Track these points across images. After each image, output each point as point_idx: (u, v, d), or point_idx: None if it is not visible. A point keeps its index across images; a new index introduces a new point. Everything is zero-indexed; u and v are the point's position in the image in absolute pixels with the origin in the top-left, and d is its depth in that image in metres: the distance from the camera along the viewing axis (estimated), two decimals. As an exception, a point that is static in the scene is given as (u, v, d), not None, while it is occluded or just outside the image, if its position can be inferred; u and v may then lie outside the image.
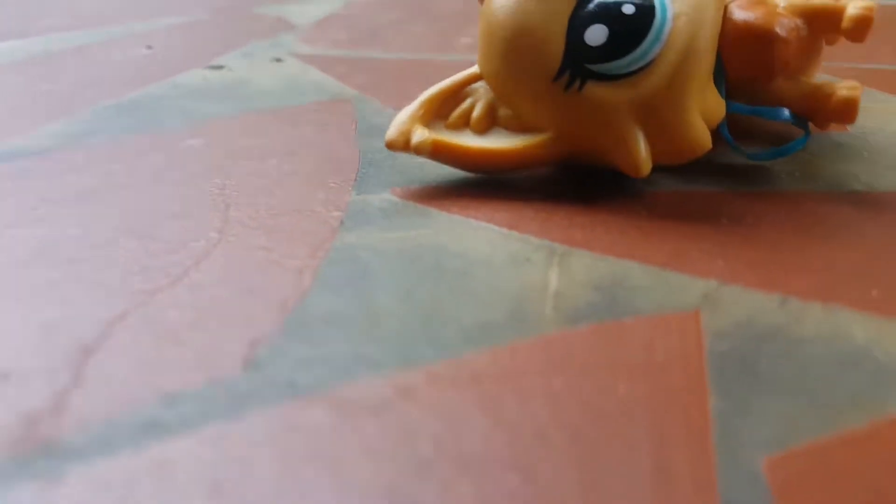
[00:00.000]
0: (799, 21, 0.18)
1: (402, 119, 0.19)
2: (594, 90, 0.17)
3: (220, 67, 0.30)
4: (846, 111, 0.19)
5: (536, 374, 0.12)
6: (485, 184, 0.19)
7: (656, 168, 0.18)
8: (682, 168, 0.19)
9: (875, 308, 0.14)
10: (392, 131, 0.18)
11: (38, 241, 0.16)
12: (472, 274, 0.15)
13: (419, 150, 0.18)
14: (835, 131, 0.22)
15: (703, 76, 0.17)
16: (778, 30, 0.17)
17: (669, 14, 0.16)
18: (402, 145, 0.18)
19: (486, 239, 0.16)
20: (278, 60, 0.31)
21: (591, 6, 0.17)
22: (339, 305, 0.14)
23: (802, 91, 0.19)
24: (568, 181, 0.19)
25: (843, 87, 0.19)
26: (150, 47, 0.33)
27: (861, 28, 0.18)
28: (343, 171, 0.20)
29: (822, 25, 0.19)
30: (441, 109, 0.19)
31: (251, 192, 0.19)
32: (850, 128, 0.22)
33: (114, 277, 0.15)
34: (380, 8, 0.43)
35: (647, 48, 0.16)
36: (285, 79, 0.28)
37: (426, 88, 0.19)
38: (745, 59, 0.18)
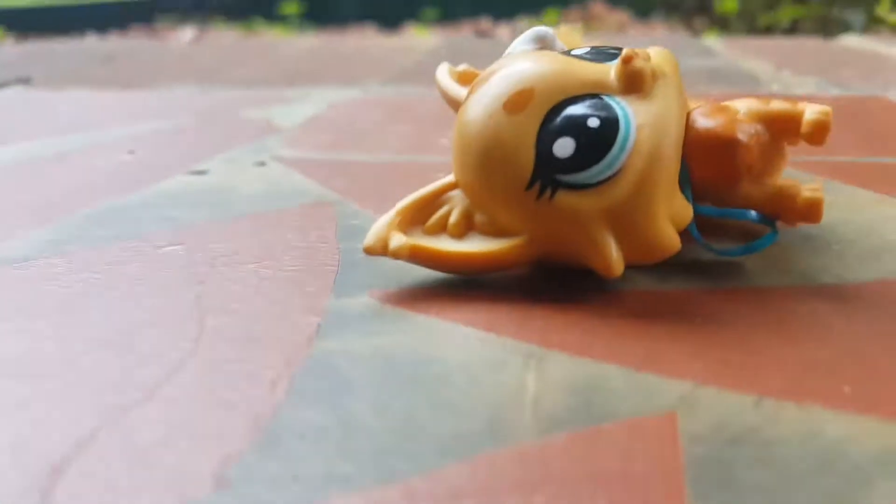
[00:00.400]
0: (759, 126, 0.19)
1: (379, 226, 0.19)
2: (565, 199, 0.17)
3: (202, 172, 0.30)
4: (811, 212, 0.20)
5: (516, 490, 0.12)
6: (463, 284, 0.19)
7: (629, 267, 0.18)
8: (655, 266, 0.19)
9: (848, 405, 0.14)
10: (370, 237, 0.19)
11: (10, 356, 0.16)
12: (449, 381, 0.15)
13: (397, 255, 0.19)
14: (801, 227, 0.23)
15: (670, 182, 0.18)
16: (740, 136, 0.18)
17: (633, 125, 0.17)
18: (380, 250, 0.19)
19: (465, 343, 0.16)
20: (261, 164, 0.31)
21: (558, 120, 0.18)
22: (313, 418, 0.14)
23: (768, 193, 0.20)
24: (544, 281, 0.19)
25: (807, 189, 0.20)
26: (132, 153, 0.34)
27: (820, 132, 0.19)
28: (322, 275, 0.20)
29: (782, 130, 0.20)
30: (418, 216, 0.19)
31: (228, 299, 0.19)
32: (818, 223, 0.23)
33: (86, 393, 0.15)
34: (363, 109, 0.44)
35: (614, 158, 0.17)
36: (267, 183, 0.29)
37: (407, 190, 0.20)
38: (710, 164, 0.18)
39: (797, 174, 0.28)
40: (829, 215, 0.22)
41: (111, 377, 0.15)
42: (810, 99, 0.42)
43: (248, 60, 0.71)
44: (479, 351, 0.16)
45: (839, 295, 0.18)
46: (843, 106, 0.43)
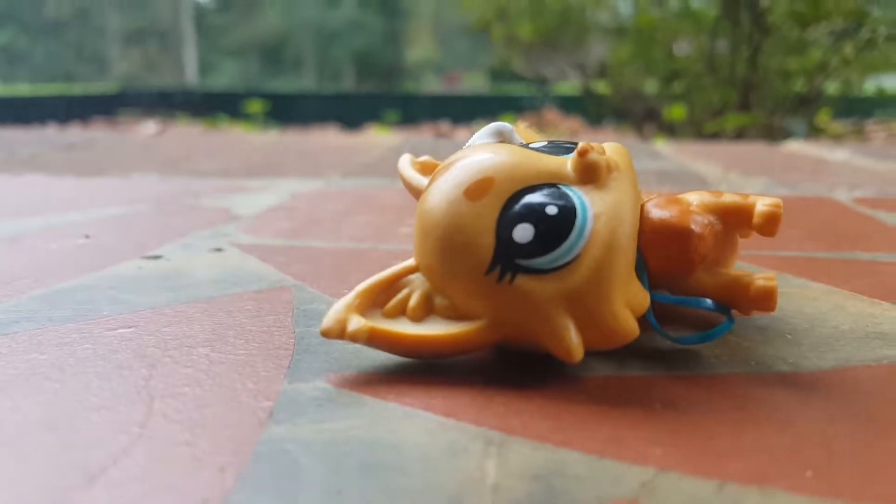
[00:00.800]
0: (712, 217, 0.20)
1: (338, 308, 0.19)
2: (524, 283, 0.18)
3: (157, 257, 0.30)
4: (765, 301, 0.20)
5: (472, 579, 0.11)
6: (422, 369, 0.19)
7: (589, 353, 0.18)
8: (615, 352, 0.19)
9: (810, 490, 0.13)
10: (328, 320, 0.19)
11: (-62, 442, 0.15)
12: (407, 469, 0.14)
13: (355, 338, 0.18)
14: (758, 314, 0.23)
15: (626, 270, 0.18)
16: (693, 226, 0.18)
17: (590, 214, 0.18)
18: (338, 333, 0.18)
19: (423, 428, 0.16)
20: (218, 250, 0.31)
21: (517, 207, 0.18)
22: (262, 506, 0.13)
23: (722, 282, 0.20)
24: (504, 365, 0.19)
25: (760, 278, 0.20)
26: (88, 237, 0.33)
27: (770, 224, 0.20)
28: (276, 359, 0.20)
29: (735, 222, 0.20)
30: (378, 299, 0.19)
31: (178, 382, 0.18)
32: (771, 314, 0.23)
33: (27, 475, 0.14)
34: (325, 200, 0.44)
35: (572, 245, 0.17)
36: (223, 268, 0.28)
37: (366, 276, 0.20)
38: (665, 253, 0.19)
39: (750, 268, 0.29)
40: (782, 306, 0.23)
41: (55, 460, 0.14)
42: (762, 196, 0.43)
43: (211, 153, 0.72)
44: (438, 436, 0.16)
45: (795, 382, 0.19)
46: (792, 205, 0.45)
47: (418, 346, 0.19)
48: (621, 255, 0.18)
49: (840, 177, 0.56)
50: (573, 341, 0.17)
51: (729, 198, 0.21)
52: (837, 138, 1.52)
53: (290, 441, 0.15)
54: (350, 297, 0.19)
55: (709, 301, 0.20)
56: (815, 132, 1.54)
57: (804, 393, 0.18)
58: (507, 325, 0.18)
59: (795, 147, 0.87)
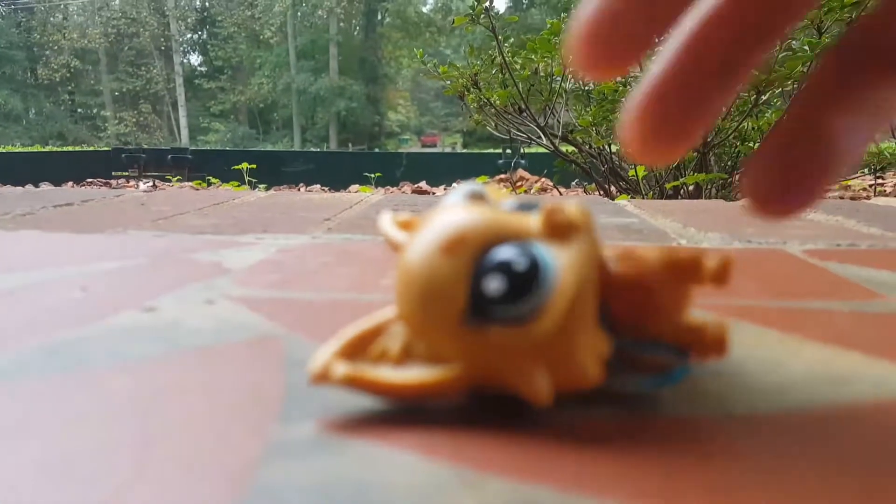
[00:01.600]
0: (666, 272, 0.21)
1: (324, 354, 0.20)
2: (496, 332, 0.19)
3: (152, 309, 0.31)
4: (718, 347, 0.22)
5: None
6: (404, 413, 0.20)
7: (558, 395, 0.19)
8: (581, 395, 0.20)
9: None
10: (314, 365, 0.20)
11: (-54, 479, 0.16)
12: None
13: (339, 382, 0.20)
14: (713, 363, 0.25)
15: (589, 319, 0.19)
16: (649, 281, 0.20)
17: (554, 268, 0.19)
18: (323, 378, 0.20)
19: (407, 468, 0.17)
20: (210, 302, 0.32)
21: (487, 262, 0.20)
22: (253, 533, 0.14)
23: (678, 330, 0.22)
24: (479, 409, 0.20)
25: (713, 326, 0.22)
26: (84, 290, 0.35)
27: (721, 277, 0.21)
28: (267, 405, 0.21)
29: (687, 276, 0.22)
30: (361, 346, 0.21)
31: (172, 429, 0.19)
32: (728, 360, 0.25)
33: (23, 513, 0.15)
34: (311, 253, 0.46)
35: (539, 296, 0.19)
36: (216, 319, 0.30)
37: (351, 325, 0.21)
38: (624, 303, 0.20)
39: (709, 317, 0.30)
40: (737, 352, 0.24)
41: (53, 502, 0.15)
42: (715, 251, 0.45)
43: (202, 209, 0.73)
44: (419, 476, 0.17)
45: (752, 424, 0.20)
46: (746, 257, 0.47)
47: (399, 390, 0.20)
48: (584, 305, 0.19)
49: (792, 230, 0.59)
50: (542, 386, 0.19)
51: (683, 253, 0.22)
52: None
53: (282, 483, 0.16)
54: (335, 344, 0.20)
55: (666, 347, 0.21)
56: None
57: (764, 434, 0.19)
58: (480, 371, 0.19)
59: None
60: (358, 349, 0.21)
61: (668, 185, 1.53)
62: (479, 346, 0.19)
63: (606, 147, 1.69)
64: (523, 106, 1.70)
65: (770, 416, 0.20)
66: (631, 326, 0.21)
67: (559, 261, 0.19)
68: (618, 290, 0.20)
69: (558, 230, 0.20)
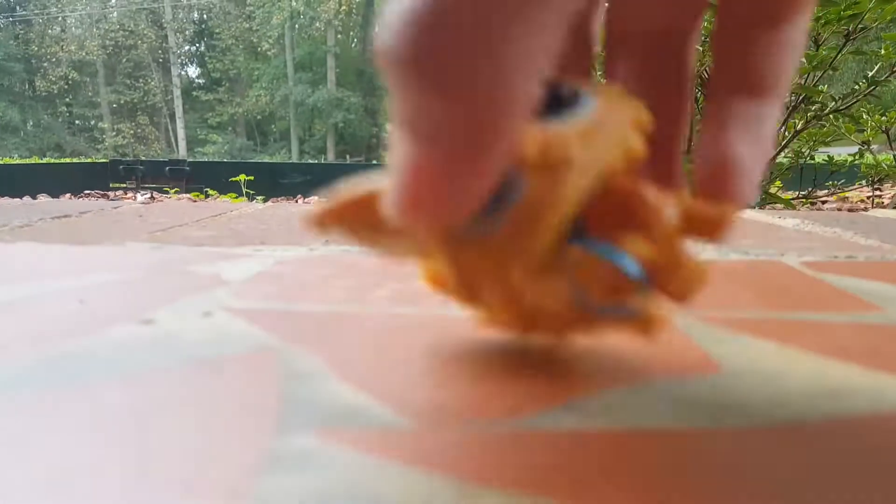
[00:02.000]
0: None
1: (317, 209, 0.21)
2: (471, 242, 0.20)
3: (149, 322, 0.31)
4: (717, 228, 0.22)
5: None
6: (401, 426, 0.20)
7: (555, 409, 0.19)
8: (578, 406, 0.20)
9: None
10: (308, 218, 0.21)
11: (-57, 492, 0.16)
12: (385, 512, 0.15)
13: (334, 217, 0.21)
14: (709, 374, 0.25)
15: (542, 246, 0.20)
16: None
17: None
18: (319, 221, 0.21)
19: (403, 480, 0.17)
20: (208, 314, 0.32)
21: None
22: (251, 546, 0.14)
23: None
24: (479, 418, 0.20)
25: (715, 210, 0.22)
26: (82, 302, 0.35)
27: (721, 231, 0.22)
28: (265, 417, 0.21)
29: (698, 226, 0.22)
30: (355, 210, 0.21)
31: (169, 441, 0.19)
32: (724, 371, 0.25)
33: (20, 526, 0.15)
34: (308, 266, 0.46)
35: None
36: (213, 331, 0.30)
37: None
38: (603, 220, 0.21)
39: (705, 328, 0.30)
40: (733, 364, 0.24)
41: (47, 511, 0.15)
42: (713, 263, 0.45)
43: (200, 221, 0.73)
44: (416, 487, 0.17)
45: (753, 437, 0.20)
46: (744, 269, 0.47)
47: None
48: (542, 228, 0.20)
49: (790, 242, 0.59)
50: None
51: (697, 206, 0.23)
52: (789, 206, 1.58)
53: (280, 493, 0.16)
54: (331, 203, 0.21)
55: (631, 263, 0.21)
56: (769, 199, 1.61)
57: (759, 446, 0.19)
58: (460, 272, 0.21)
59: (748, 213, 0.90)
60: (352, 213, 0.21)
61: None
62: (460, 251, 0.20)
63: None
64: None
65: (766, 428, 0.20)
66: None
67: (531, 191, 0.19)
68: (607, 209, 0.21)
69: (545, 163, 0.20)
